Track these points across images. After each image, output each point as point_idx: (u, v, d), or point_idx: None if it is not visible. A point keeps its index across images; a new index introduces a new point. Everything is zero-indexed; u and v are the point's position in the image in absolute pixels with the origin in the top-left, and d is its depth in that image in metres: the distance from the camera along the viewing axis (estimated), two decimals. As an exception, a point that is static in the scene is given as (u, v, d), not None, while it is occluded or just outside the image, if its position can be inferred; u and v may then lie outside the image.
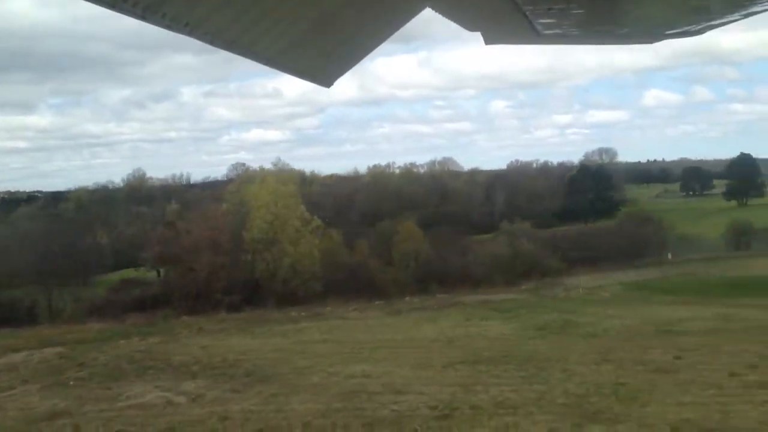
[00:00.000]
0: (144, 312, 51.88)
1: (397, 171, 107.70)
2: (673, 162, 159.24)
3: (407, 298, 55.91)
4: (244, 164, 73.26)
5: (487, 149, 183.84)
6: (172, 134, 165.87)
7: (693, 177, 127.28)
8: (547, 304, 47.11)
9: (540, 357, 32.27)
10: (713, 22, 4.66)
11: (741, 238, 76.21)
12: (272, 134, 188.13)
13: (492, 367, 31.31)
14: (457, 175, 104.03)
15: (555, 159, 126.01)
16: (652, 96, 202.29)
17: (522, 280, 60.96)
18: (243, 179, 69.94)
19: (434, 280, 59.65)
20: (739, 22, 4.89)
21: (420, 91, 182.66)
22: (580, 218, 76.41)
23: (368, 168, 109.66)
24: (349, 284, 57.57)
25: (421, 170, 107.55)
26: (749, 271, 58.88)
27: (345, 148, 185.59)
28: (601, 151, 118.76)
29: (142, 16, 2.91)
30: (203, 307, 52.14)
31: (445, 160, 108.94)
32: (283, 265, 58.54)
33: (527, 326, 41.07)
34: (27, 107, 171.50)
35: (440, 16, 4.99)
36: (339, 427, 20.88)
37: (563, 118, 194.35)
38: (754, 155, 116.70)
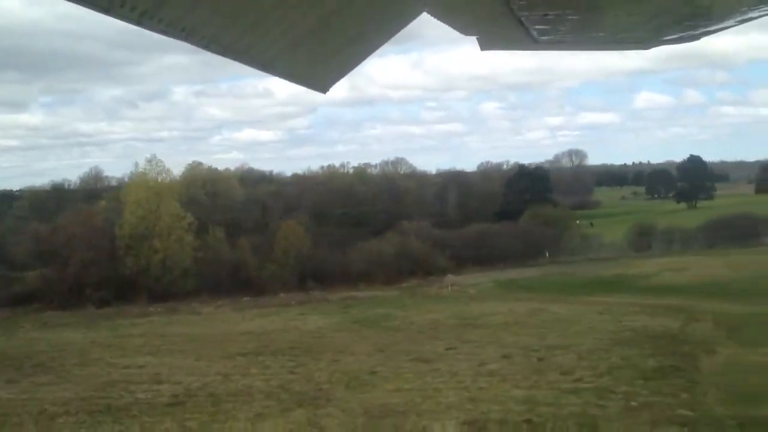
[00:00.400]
0: (19, 306, 53.32)
1: (351, 171, 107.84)
2: (656, 164, 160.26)
3: (281, 295, 56.77)
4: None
5: (477, 150, 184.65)
6: (164, 134, 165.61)
7: (658, 180, 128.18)
8: (404, 302, 49.28)
9: (324, 349, 35.22)
10: (709, 28, 4.68)
11: (641, 239, 77.94)
12: (264, 134, 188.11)
13: (269, 357, 33.87)
14: (410, 176, 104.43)
15: (540, 159, 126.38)
16: (644, 99, 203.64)
17: (407, 278, 62.37)
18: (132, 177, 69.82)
19: (313, 277, 60.83)
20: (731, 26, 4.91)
21: (412, 92, 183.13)
22: (514, 218, 77.24)
23: (322, 168, 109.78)
24: (228, 281, 58.12)
25: (374, 171, 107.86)
26: (626, 269, 61.52)
27: (337, 148, 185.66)
28: (571, 153, 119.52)
29: (138, 21, 2.88)
30: (75, 303, 52.82)
31: (398, 161, 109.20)
32: (154, 261, 58.72)
33: (347, 321, 43.78)
34: (18, 105, 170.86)
35: (436, 21, 4.99)
36: (70, 413, 21.64)
37: (554, 120, 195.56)
38: (748, 159, 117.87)
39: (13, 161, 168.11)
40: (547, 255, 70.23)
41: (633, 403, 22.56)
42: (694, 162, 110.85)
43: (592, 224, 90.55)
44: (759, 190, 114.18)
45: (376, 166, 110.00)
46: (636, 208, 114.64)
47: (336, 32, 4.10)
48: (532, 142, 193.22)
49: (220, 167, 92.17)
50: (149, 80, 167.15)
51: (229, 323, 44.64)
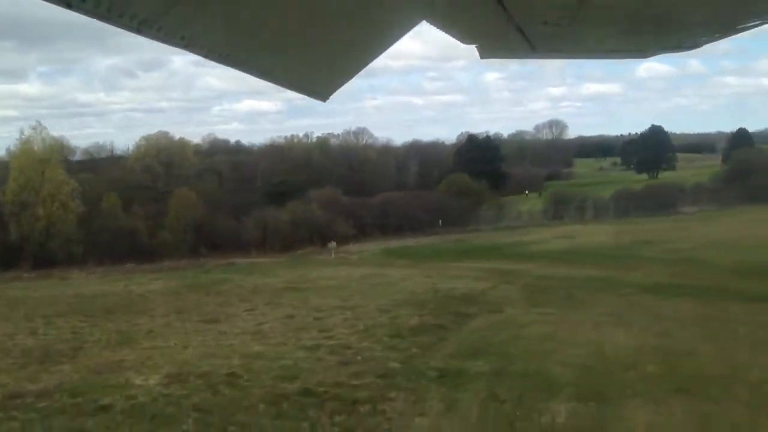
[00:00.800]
0: None
1: (315, 140, 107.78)
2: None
3: (167, 262, 57.60)
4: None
5: (478, 121, 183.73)
6: (164, 104, 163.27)
7: (631, 151, 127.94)
8: (274, 269, 51.13)
9: (129, 311, 37.53)
10: (706, 38, 4.69)
11: (556, 209, 79.46)
12: (264, 105, 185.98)
13: (65, 318, 36.66)
14: (371, 146, 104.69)
15: (526, 129, 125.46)
16: (645, 69, 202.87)
17: (306, 246, 63.23)
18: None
19: (207, 245, 61.58)
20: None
21: (412, 62, 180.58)
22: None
23: (285, 138, 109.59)
24: (120, 248, 58.58)
25: (336, 141, 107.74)
26: (524, 237, 63.44)
27: (335, 119, 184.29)
28: (551, 124, 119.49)
29: (138, 30, 2.89)
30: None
31: (359, 131, 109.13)
32: (37, 228, 59.01)
33: (182, 285, 45.76)
34: (16, 75, 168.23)
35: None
36: None
37: (555, 90, 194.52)
38: (750, 128, 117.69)
39: (11, 132, 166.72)
40: (440, 224, 71.94)
41: (358, 358, 23.16)
42: (656, 132, 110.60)
43: (527, 194, 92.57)
44: (723, 161, 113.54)
45: (338, 136, 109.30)
46: (608, 179, 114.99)
47: (335, 40, 4.11)
48: (532, 113, 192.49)
49: (221, 137, 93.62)
50: (147, 49, 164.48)
51: (75, 288, 46.47)
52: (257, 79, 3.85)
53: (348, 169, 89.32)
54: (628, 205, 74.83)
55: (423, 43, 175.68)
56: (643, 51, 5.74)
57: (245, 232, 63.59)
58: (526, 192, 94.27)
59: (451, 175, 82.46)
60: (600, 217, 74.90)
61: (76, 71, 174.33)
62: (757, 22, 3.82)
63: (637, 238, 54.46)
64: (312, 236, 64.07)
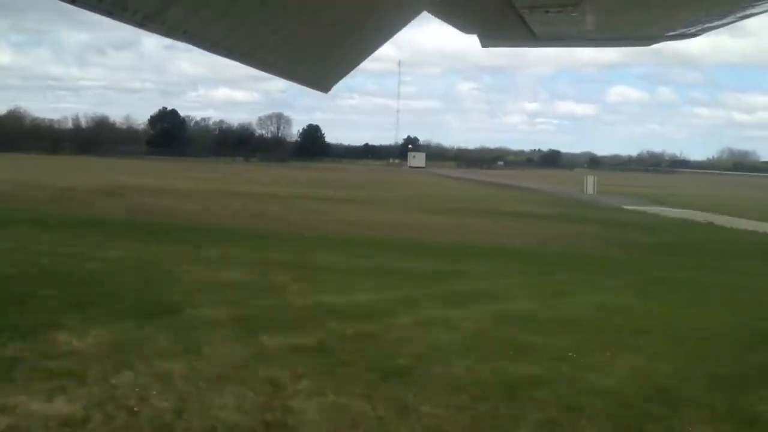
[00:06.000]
0: None
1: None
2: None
3: None
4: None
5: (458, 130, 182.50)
6: (137, 84, 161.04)
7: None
8: None
9: None
10: (709, 25, 4.68)
11: None
12: (239, 95, 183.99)
13: None
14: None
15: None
16: (617, 93, 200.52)
17: None
18: None
19: None
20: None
21: (387, 65, 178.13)
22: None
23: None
24: None
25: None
26: None
27: (315, 115, 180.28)
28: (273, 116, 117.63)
29: (141, 24, 2.90)
30: None
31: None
32: None
33: None
34: None
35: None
36: None
37: (530, 106, 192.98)
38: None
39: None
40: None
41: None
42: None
43: None
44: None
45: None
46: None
47: (337, 33, 4.11)
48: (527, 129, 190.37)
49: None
50: (117, 27, 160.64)
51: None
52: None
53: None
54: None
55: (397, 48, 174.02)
56: (644, 39, 5.73)
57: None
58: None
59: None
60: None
61: (46, 43, 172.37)
62: (759, 10, 3.81)
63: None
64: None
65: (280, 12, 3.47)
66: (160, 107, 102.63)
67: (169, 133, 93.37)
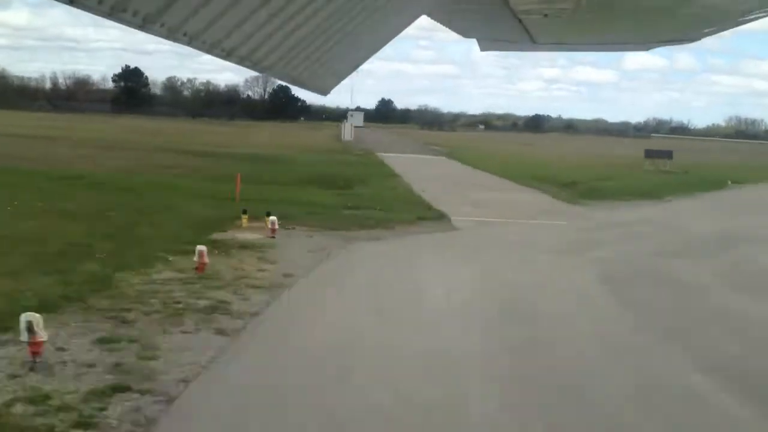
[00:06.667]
0: None
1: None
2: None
3: None
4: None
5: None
6: (151, 47, 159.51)
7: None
8: None
9: None
10: (707, 30, 4.69)
11: None
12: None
13: None
14: None
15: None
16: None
17: None
18: None
19: None
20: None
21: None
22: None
23: None
24: None
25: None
26: None
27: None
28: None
29: (141, 26, 2.91)
30: None
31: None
32: None
33: None
34: (1, 2, 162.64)
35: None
36: None
37: (548, 72, 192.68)
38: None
39: (1, 59, 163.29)
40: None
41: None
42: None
43: None
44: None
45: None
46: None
47: (336, 36, 4.12)
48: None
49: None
50: None
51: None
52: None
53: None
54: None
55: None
56: (643, 43, 5.75)
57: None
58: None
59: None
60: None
61: (63, 7, 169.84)
62: (757, 15, 3.83)
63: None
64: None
65: (278, 15, 3.48)
66: (123, 66, 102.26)
67: (132, 92, 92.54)
